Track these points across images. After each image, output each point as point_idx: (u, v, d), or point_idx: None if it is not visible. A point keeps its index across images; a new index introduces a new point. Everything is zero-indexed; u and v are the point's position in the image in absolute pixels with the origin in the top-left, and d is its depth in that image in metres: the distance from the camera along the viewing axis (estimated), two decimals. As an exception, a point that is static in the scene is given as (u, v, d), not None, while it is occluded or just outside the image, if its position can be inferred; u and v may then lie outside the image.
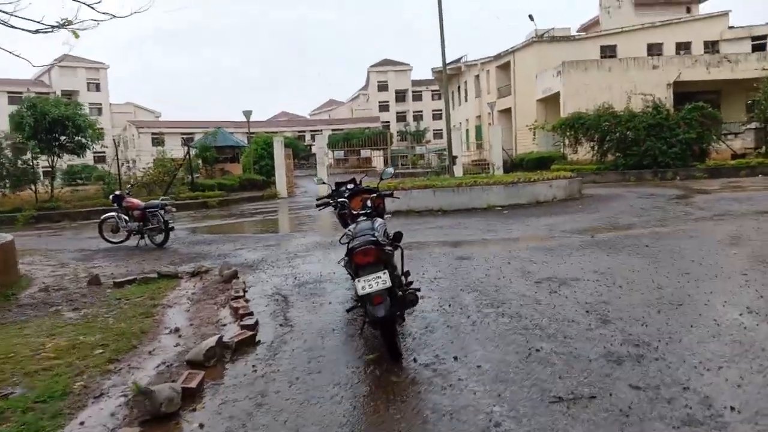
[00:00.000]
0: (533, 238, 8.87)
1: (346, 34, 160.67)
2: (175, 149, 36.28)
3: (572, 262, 6.66)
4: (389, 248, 4.14)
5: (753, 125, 28.51)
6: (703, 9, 43.53)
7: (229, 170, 30.73)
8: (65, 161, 25.93)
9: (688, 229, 8.66)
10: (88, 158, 79.20)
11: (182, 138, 28.36)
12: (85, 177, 46.25)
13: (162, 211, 10.43)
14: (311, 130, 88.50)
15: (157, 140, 64.05)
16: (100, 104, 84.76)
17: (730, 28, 39.69)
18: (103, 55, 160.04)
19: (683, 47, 38.59)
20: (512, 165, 31.21)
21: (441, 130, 38.69)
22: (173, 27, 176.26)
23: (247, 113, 29.38)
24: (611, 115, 24.63)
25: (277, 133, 68.07)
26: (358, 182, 7.16)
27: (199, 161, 29.55)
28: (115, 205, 11.16)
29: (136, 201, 11.06)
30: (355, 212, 5.00)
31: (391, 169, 6.23)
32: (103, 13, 6.77)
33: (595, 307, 4.79)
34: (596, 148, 25.53)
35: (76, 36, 8.29)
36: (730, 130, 27.01)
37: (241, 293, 5.96)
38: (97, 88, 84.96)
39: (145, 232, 10.65)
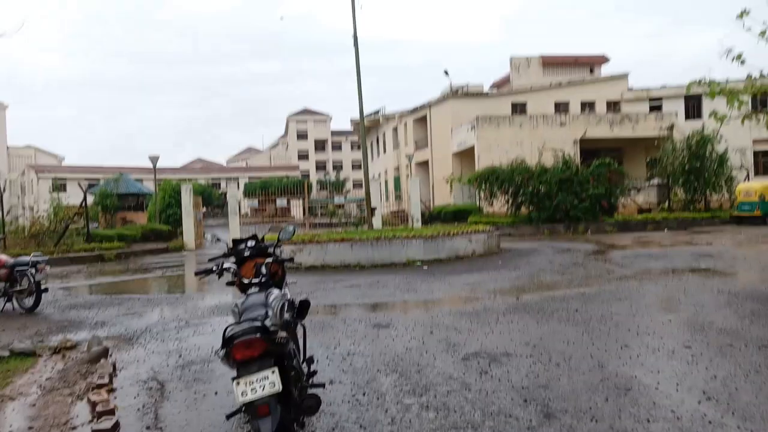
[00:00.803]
0: (456, 299, 8.21)
1: (264, 82, 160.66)
2: (75, 196, 33.60)
3: (500, 331, 5.99)
4: (283, 335, 3.23)
5: (656, 181, 30.09)
6: (605, 70, 46.49)
7: (132, 219, 28.67)
8: None
9: (614, 290, 8.29)
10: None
11: (79, 183, 26.16)
12: None
13: (33, 270, 8.93)
14: (227, 178, 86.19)
15: (60, 186, 59.85)
16: (-4, 146, 78.88)
17: (630, 89, 42.47)
18: (6, 95, 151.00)
19: (588, 106, 40.74)
20: (430, 217, 31.13)
21: (361, 180, 38.45)
22: (84, 73, 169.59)
23: (154, 159, 27.65)
24: (524, 170, 25.09)
25: (190, 180, 65.69)
26: (260, 239, 6.25)
27: (99, 209, 27.37)
28: (-22, 262, 9.48)
29: (3, 257, 9.47)
30: (246, 281, 4.08)
31: (291, 228, 5.38)
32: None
33: (534, 393, 4.07)
34: (510, 201, 25.84)
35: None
36: (634, 186, 28.26)
37: (107, 380, 4.79)
38: (-7, 128, 79.07)
39: (12, 295, 9.08)
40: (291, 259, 4.43)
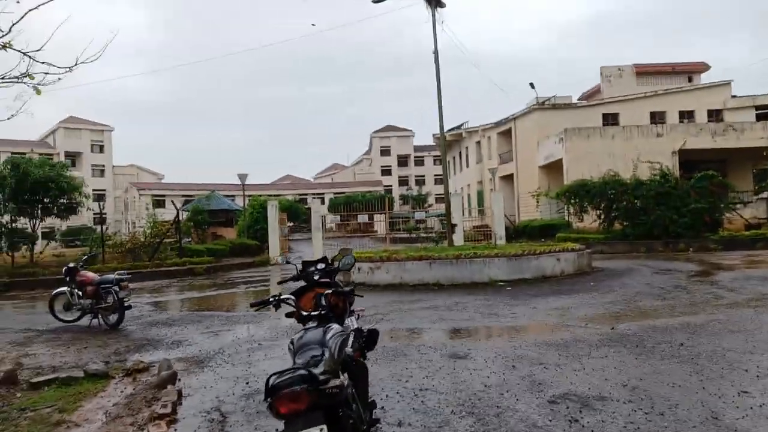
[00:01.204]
0: (542, 327, 7.55)
1: (351, 100, 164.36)
2: (173, 212, 35.34)
3: (593, 368, 5.33)
4: (336, 383, 2.85)
5: (765, 195, 27.54)
6: (705, 78, 43.49)
7: (222, 234, 29.65)
8: (62, 223, 25.14)
9: (725, 319, 7.33)
10: (87, 219, 78.65)
11: (172, 201, 27.39)
12: (83, 239, 44.89)
13: (117, 287, 9.15)
14: (314, 194, 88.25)
15: (158, 202, 63.48)
16: (103, 166, 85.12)
17: (734, 97, 39.46)
18: (109, 118, 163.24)
19: (686, 116, 38.21)
20: (515, 232, 30.09)
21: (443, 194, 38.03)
22: (183, 95, 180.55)
23: (242, 176, 28.54)
24: (617, 183, 23.68)
25: (278, 196, 67.79)
26: (329, 261, 5.98)
27: (191, 225, 28.50)
28: (68, 278, 9.85)
29: (90, 275, 9.79)
30: (304, 313, 3.75)
31: (351, 258, 5.04)
32: (60, 67, 6.10)
33: (635, 451, 3.45)
34: (602, 216, 24.45)
35: (38, 92, 7.37)
36: (741, 200, 25.97)
37: (169, 409, 4.62)
38: (101, 149, 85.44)
39: (98, 311, 9.34)
40: (352, 291, 4.05)
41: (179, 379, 5.72)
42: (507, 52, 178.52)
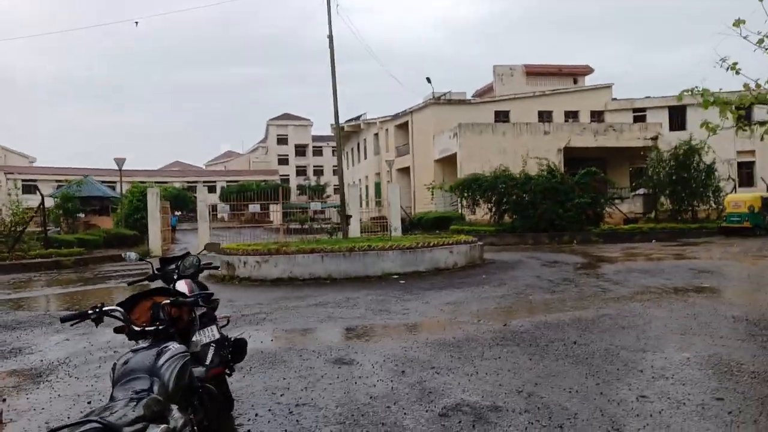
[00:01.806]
0: (434, 325, 7.14)
1: (247, 87, 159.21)
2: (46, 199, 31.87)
3: (486, 371, 4.93)
4: None
5: (641, 191, 29.44)
6: (588, 81, 46.00)
7: (96, 224, 27.18)
8: None
9: (615, 314, 7.29)
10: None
11: (36, 187, 24.70)
12: None
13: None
14: (205, 181, 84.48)
15: (29, 188, 57.79)
16: (-39, 144, 76.45)
17: (614, 99, 42.01)
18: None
19: (571, 115, 40.20)
20: (410, 224, 30.15)
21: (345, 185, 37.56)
22: (65, 75, 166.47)
23: (120, 160, 26.26)
24: (508, 178, 24.29)
25: (165, 184, 64.05)
26: (195, 257, 5.17)
27: (61, 213, 25.87)
28: None
29: None
30: (137, 329, 2.97)
31: (133, 254, 4.43)
32: None
33: (535, 475, 3.01)
34: (494, 209, 25.01)
35: None
36: (620, 195, 27.60)
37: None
38: (-39, 127, 76.64)
39: None
40: (196, 301, 3.27)
41: (3, 399, 4.67)
42: (403, 47, 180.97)
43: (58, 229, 26.17)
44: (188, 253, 5.14)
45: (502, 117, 38.05)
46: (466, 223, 26.43)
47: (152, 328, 2.93)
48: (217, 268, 5.22)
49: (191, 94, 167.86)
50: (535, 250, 18.86)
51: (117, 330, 2.99)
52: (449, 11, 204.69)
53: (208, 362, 3.70)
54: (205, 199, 24.75)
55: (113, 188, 35.24)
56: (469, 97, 42.94)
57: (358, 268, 11.86)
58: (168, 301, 3.06)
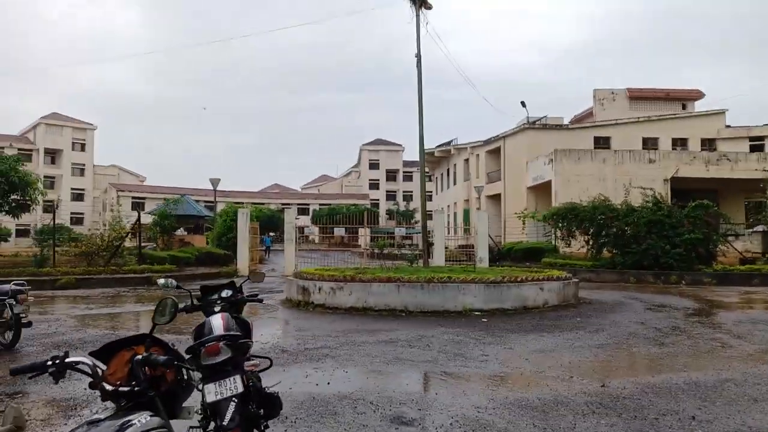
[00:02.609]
0: (517, 378, 6.13)
1: (341, 112, 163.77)
2: (148, 216, 33.45)
3: (579, 451, 3.93)
4: None
5: (760, 228, 26.49)
6: (698, 107, 42.75)
7: (189, 242, 28.04)
8: (37, 220, 23.63)
9: (741, 379, 5.96)
10: (64, 218, 76.74)
11: (137, 204, 25.84)
12: (59, 238, 43.11)
13: (12, 301, 7.61)
14: (299, 204, 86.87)
15: (138, 205, 61.68)
16: (84, 165, 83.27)
17: (727, 127, 38.70)
18: (96, 118, 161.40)
19: (679, 143, 37.36)
20: (499, 254, 28.81)
21: (431, 211, 36.83)
22: (174, 99, 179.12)
23: (215, 181, 27.02)
24: (608, 208, 22.52)
25: (262, 205, 66.09)
26: (239, 287, 4.60)
27: (158, 230, 26.90)
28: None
29: (-23, 285, 8.24)
30: (109, 388, 2.32)
31: (166, 280, 3.80)
32: None
33: None
34: (591, 242, 23.24)
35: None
36: (735, 232, 24.89)
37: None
38: (83, 148, 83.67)
39: (-12, 328, 7.79)
40: (171, 360, 2.52)
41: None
42: (497, 71, 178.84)
43: (154, 245, 27.20)
44: (232, 283, 4.57)
45: (602, 143, 35.97)
46: (560, 256, 24.79)
47: (127, 388, 2.28)
48: (261, 300, 4.60)
49: (289, 118, 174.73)
50: (637, 290, 17.12)
51: (92, 385, 2.36)
52: (543, 35, 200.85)
53: (226, 422, 3.02)
54: (292, 221, 24.82)
55: (212, 208, 36.52)
56: (566, 122, 41.08)
57: (437, 302, 10.98)
58: (140, 357, 2.39)
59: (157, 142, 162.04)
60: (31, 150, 79.26)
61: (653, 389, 5.54)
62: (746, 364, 6.72)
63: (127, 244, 25.52)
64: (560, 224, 24.00)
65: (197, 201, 34.40)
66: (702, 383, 5.78)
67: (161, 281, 4.33)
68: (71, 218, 73.67)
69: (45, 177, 79.77)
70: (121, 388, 2.29)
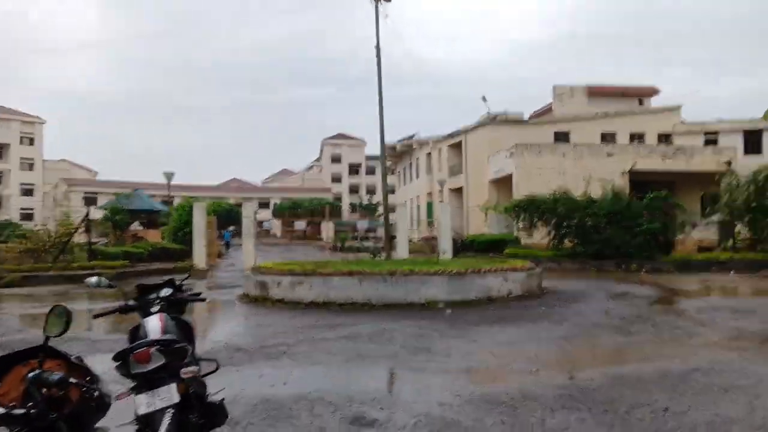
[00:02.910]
0: (482, 373, 5.87)
1: (306, 107, 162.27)
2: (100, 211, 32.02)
3: (551, 449, 3.67)
4: None
5: (716, 218, 27.12)
6: (654, 103, 43.61)
7: (143, 237, 27.06)
8: None
9: (707, 367, 5.84)
10: (13, 214, 73.32)
11: (83, 198, 24.80)
12: (6, 235, 40.91)
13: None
14: (260, 198, 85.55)
15: (90, 200, 59.57)
16: (32, 159, 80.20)
17: (682, 122, 39.58)
18: (44, 110, 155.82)
19: (637, 138, 38.01)
20: (463, 245, 28.76)
21: (393, 205, 36.58)
22: (131, 92, 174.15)
23: (168, 174, 26.15)
24: (569, 200, 22.67)
25: (221, 199, 64.72)
26: (179, 285, 4.17)
27: (110, 225, 25.86)
28: None
29: None
30: (1, 411, 1.91)
31: (94, 279, 3.44)
32: None
33: None
34: (553, 233, 23.37)
35: None
36: (693, 221, 25.41)
37: None
38: (31, 142, 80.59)
39: None
40: (64, 379, 2.10)
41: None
42: (456, 66, 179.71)
43: (106, 241, 26.18)
44: (172, 280, 4.14)
45: (561, 138, 36.26)
46: (522, 247, 24.86)
47: (22, 411, 1.88)
48: (203, 299, 4.19)
49: (250, 113, 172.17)
50: (599, 278, 17.20)
51: None
52: (504, 33, 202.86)
53: None
54: (251, 215, 24.19)
55: (167, 203, 35.39)
56: (526, 118, 41.34)
57: (400, 294, 10.68)
58: (32, 374, 1.99)
59: (118, 139, 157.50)
60: (-29, 145, 75.98)
61: (622, 380, 5.36)
62: (712, 352, 6.63)
63: (81, 240, 24.55)
64: (522, 216, 24.07)
65: (153, 196, 33.30)
66: (670, 373, 5.63)
67: (92, 280, 3.87)
68: (21, 214, 70.90)
69: (-8, 172, 76.85)
70: (14, 411, 1.88)
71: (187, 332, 3.71)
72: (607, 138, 36.97)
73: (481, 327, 8.30)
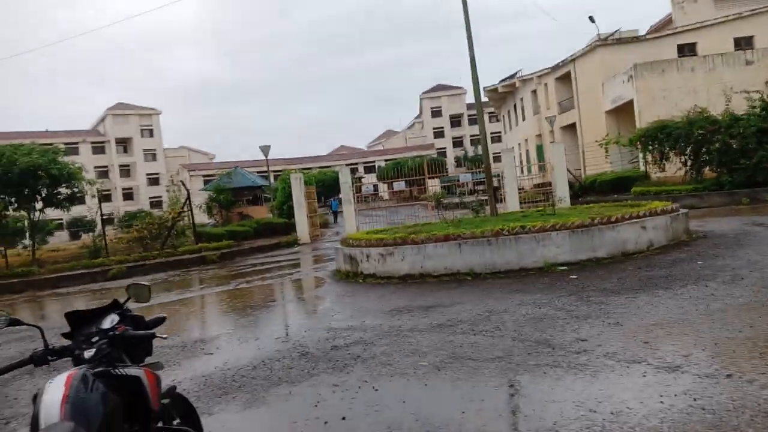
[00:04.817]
0: (637, 387, 3.92)
1: (405, 64, 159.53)
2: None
3: None
4: None
5: None
6: (799, -7, 36.69)
7: (249, 214, 26.91)
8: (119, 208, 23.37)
9: None
10: (144, 203, 78.57)
11: (181, 181, 24.86)
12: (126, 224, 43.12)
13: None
14: (364, 162, 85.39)
15: (209, 182, 62.18)
16: (155, 150, 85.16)
17: (837, 9, 32.93)
18: (161, 101, 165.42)
19: (778, 39, 32.22)
20: (581, 189, 25.91)
21: (498, 152, 34.04)
22: (235, 75, 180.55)
23: (265, 148, 25.53)
24: (707, 121, 19.19)
25: (329, 168, 64.92)
26: (122, 304, 2.67)
27: (215, 205, 25.90)
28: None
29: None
30: None
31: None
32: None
33: None
34: (689, 163, 20.06)
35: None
36: None
37: None
38: (150, 134, 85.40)
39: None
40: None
41: None
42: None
43: (214, 222, 26.31)
44: (115, 302, 2.64)
45: (687, 52, 31.54)
46: (653, 183, 21.71)
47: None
48: (164, 338, 2.69)
49: (350, 80, 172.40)
50: (757, 213, 14.14)
51: None
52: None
53: None
54: (348, 181, 22.98)
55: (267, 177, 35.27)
56: (642, 34, 36.51)
57: (510, 259, 8.80)
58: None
59: (230, 122, 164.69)
60: (103, 142, 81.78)
61: None
62: None
63: (199, 221, 24.68)
64: (650, 147, 20.92)
65: (263, 173, 32.96)
66: None
67: None
68: (150, 202, 75.83)
69: (121, 166, 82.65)
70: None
71: (142, 393, 2.29)
72: (743, 44, 31.71)
73: (621, 298, 6.25)
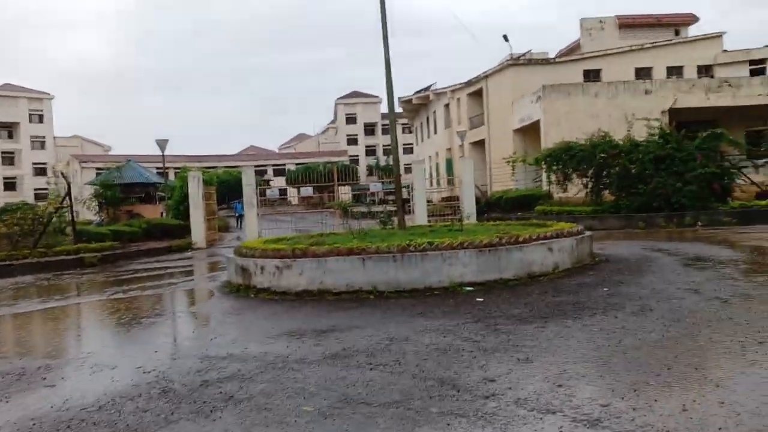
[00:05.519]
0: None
1: (321, 70, 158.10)
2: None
3: None
4: None
5: (774, 156, 24.03)
6: (693, 31, 39.73)
7: (140, 213, 24.89)
8: None
9: None
10: (28, 195, 72.20)
11: (61, 172, 22.65)
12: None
13: None
14: (274, 164, 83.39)
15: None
16: (44, 137, 78.89)
17: (725, 51, 35.82)
18: (55, 86, 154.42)
19: (675, 72, 34.54)
20: (487, 204, 26.16)
21: (409, 163, 33.89)
22: (136, 64, 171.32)
23: (162, 142, 23.75)
24: (609, 145, 19.82)
25: (235, 168, 62.63)
26: None
27: (100, 201, 23.72)
28: None
29: None
30: None
31: None
32: None
33: None
34: (590, 185, 20.63)
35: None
36: (754, 163, 22.38)
37: None
38: (41, 119, 79.04)
39: None
40: None
41: None
42: (475, 7, 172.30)
43: (100, 220, 24.13)
44: None
45: (592, 77, 33.08)
46: (555, 203, 22.18)
47: None
48: None
49: (266, 79, 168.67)
50: (653, 237, 14.56)
51: None
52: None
53: None
54: (252, 183, 21.77)
55: (161, 174, 33.05)
56: (552, 57, 37.90)
57: (416, 277, 8.22)
58: None
59: (133, 114, 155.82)
60: (-18, 125, 74.64)
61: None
62: None
63: (83, 218, 22.44)
64: (554, 167, 21.35)
65: (162, 169, 30.75)
66: None
67: None
68: (35, 194, 69.65)
69: (3, 153, 75.64)
70: None
71: None
72: (642, 74, 33.73)
73: (530, 327, 5.78)
